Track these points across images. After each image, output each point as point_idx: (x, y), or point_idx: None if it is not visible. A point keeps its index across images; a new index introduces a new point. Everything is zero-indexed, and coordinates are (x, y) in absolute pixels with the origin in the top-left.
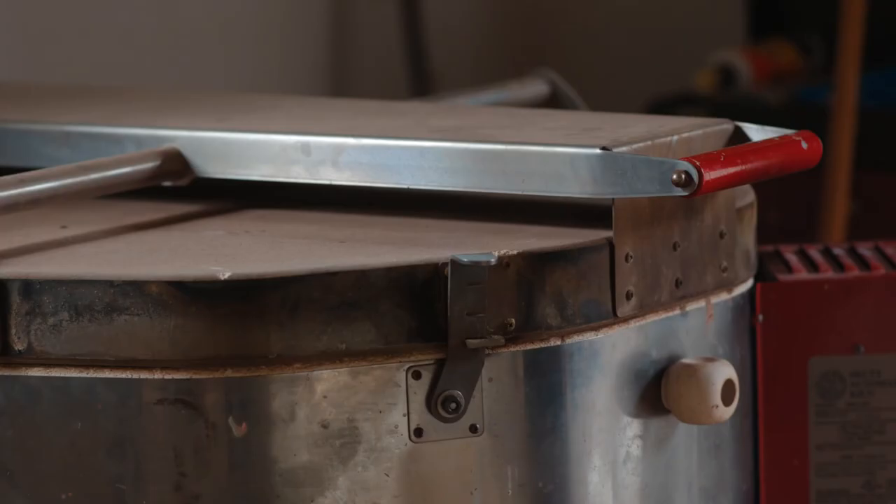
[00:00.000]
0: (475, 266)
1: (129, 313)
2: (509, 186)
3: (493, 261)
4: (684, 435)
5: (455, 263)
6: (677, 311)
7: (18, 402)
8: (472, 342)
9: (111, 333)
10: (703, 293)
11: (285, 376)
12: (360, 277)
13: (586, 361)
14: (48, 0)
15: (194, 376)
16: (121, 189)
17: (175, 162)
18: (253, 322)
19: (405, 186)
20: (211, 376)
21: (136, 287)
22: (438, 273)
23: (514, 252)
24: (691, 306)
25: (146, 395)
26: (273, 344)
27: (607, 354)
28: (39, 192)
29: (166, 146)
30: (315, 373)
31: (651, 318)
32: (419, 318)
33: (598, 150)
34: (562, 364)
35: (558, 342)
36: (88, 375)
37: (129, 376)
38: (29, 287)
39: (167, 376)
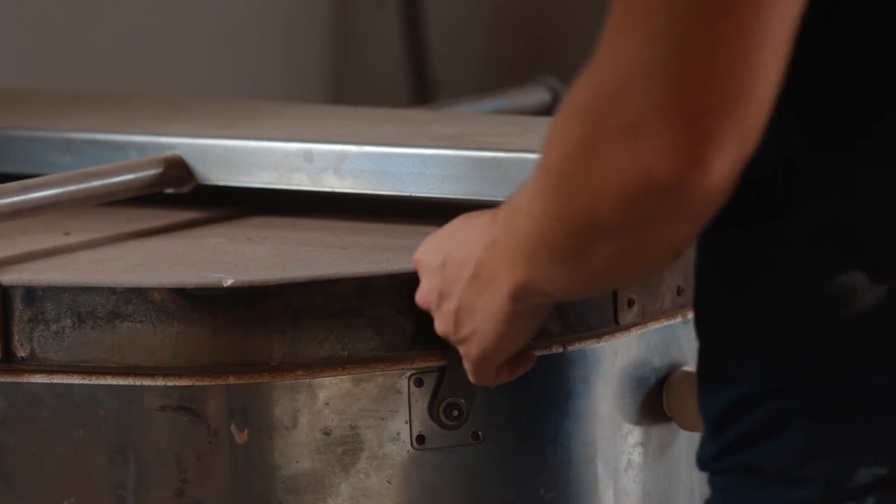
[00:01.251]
0: None
1: (132, 320)
2: (511, 194)
3: None
4: (686, 442)
5: None
6: (679, 319)
7: (21, 409)
8: None
9: (114, 340)
10: None
11: (287, 383)
12: (362, 285)
13: (588, 369)
14: (51, 7)
15: (196, 383)
16: (123, 196)
17: (177, 169)
18: (255, 329)
19: (407, 194)
20: (213, 383)
21: (138, 294)
22: None
23: None
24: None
25: (148, 401)
26: (275, 351)
27: (609, 362)
28: (42, 198)
29: (169, 153)
30: (317, 380)
31: (653, 326)
32: (421, 325)
33: None
34: (564, 371)
35: (560, 349)
36: (91, 382)
37: (132, 383)
38: (32, 294)
39: (169, 383)
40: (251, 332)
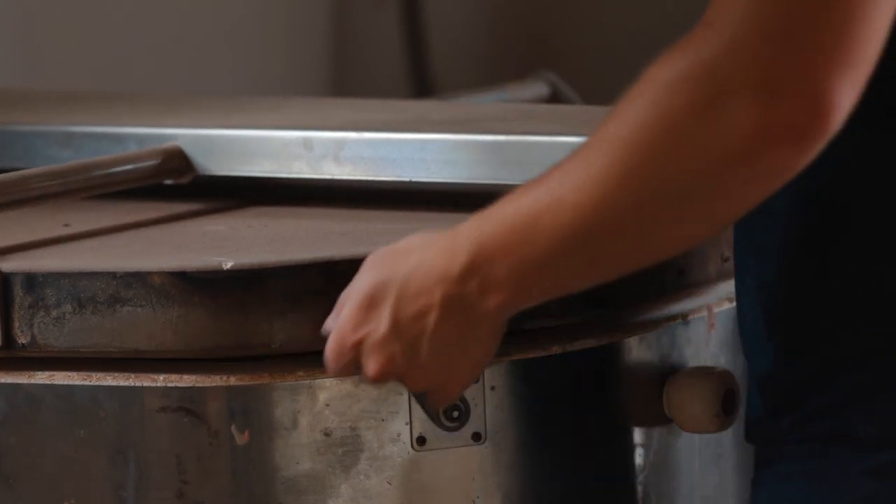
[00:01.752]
0: None
1: (132, 304)
2: (512, 178)
3: None
4: (686, 443)
5: None
6: (679, 320)
7: (21, 410)
8: None
9: (114, 325)
10: (704, 282)
11: (288, 384)
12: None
13: (588, 370)
14: (51, 7)
15: (197, 384)
16: (123, 186)
17: (177, 159)
18: (255, 311)
19: (407, 180)
20: (214, 384)
21: (138, 278)
22: None
23: None
24: (693, 315)
25: (149, 402)
26: (276, 333)
27: (609, 362)
28: (42, 188)
29: (168, 144)
30: (318, 381)
31: (653, 327)
32: None
33: None
34: (564, 372)
35: (560, 350)
36: (91, 383)
37: (132, 384)
38: (32, 280)
39: (170, 384)
40: (251, 314)
